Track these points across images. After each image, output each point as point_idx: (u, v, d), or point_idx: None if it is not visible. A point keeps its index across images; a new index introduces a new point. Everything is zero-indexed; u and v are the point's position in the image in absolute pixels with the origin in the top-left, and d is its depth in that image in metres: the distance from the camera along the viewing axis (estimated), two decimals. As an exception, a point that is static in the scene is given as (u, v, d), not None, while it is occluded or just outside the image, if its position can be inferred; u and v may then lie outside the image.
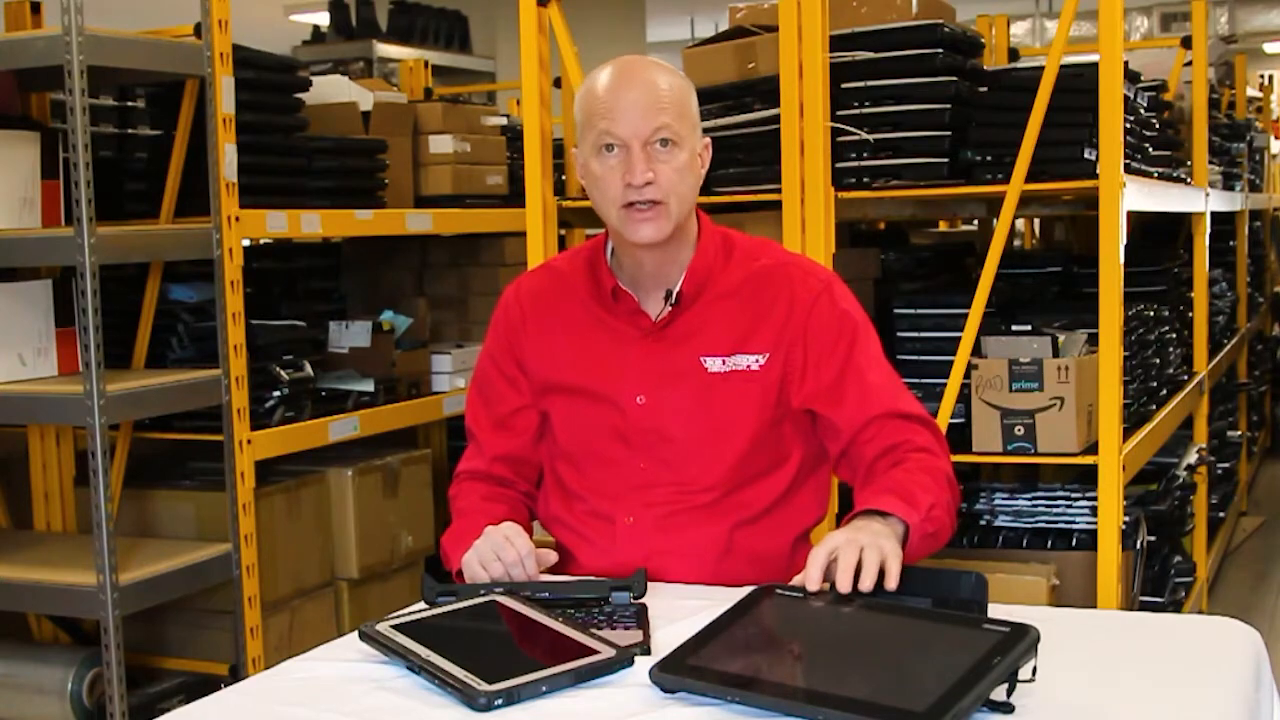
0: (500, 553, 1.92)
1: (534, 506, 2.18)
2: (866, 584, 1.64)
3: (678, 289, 2.03)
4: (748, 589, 1.71)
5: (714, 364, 2.02)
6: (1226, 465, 5.39)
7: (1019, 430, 2.96)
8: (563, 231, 3.39)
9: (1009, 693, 1.45)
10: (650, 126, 1.94)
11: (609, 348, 2.06)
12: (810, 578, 1.66)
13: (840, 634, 1.62)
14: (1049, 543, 3.20)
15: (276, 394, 3.55)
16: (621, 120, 1.94)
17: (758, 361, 2.01)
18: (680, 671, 1.52)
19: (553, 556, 1.98)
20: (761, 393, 2.01)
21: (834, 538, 1.70)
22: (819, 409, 2.02)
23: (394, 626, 1.69)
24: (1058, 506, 3.23)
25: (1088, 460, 2.92)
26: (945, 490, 1.92)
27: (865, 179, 3.05)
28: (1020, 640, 1.46)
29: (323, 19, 8.48)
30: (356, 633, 1.71)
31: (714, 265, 2.06)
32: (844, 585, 1.63)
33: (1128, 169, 2.98)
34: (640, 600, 1.84)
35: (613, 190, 1.96)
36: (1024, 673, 1.47)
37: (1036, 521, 3.25)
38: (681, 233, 2.03)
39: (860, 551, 1.66)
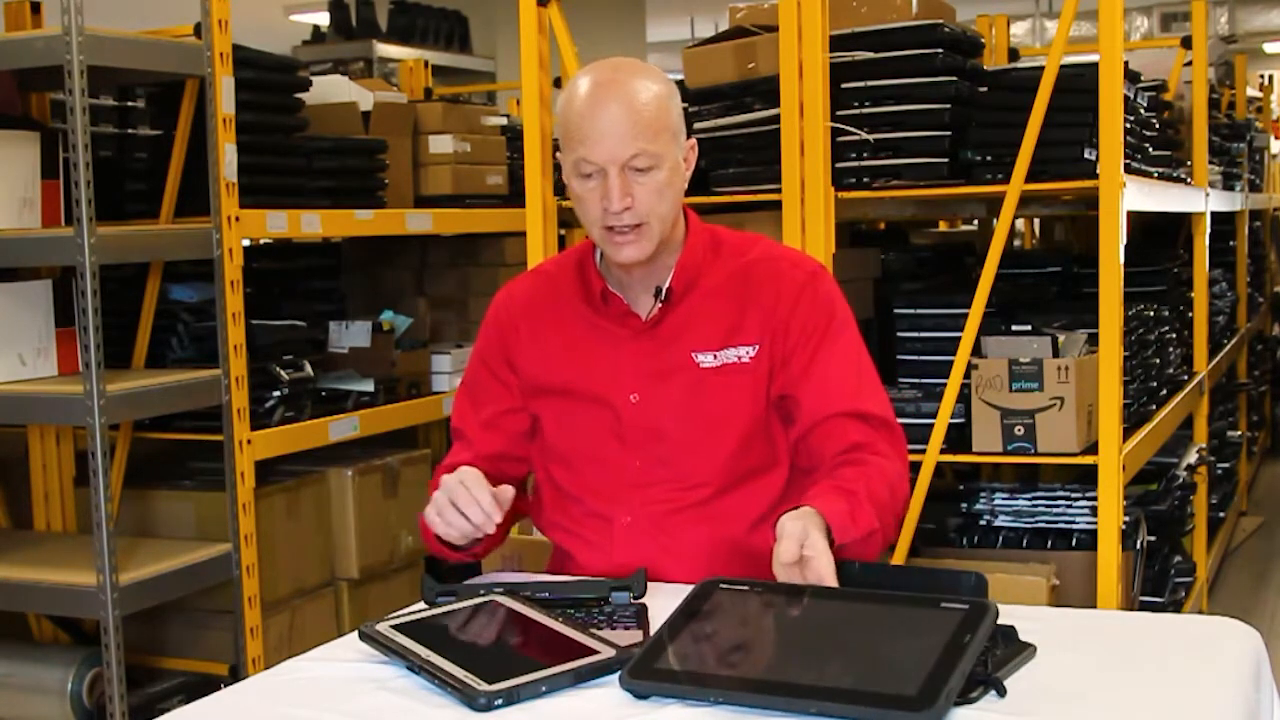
0: (454, 496, 1.88)
1: (521, 498, 2.16)
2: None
3: (666, 286, 2.04)
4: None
5: (706, 359, 2.03)
6: (1226, 465, 5.38)
7: (1019, 430, 2.96)
8: (563, 231, 3.39)
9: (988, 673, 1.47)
10: (627, 152, 1.93)
11: (601, 349, 2.06)
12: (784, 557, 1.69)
13: (805, 624, 1.61)
14: (1049, 543, 3.20)
15: (276, 394, 3.54)
16: (597, 146, 1.93)
17: (748, 353, 2.02)
18: (654, 677, 1.51)
19: (510, 492, 1.93)
20: (753, 384, 2.02)
21: (803, 537, 1.72)
22: (787, 393, 2.03)
23: (394, 626, 1.69)
24: (1058, 506, 3.22)
25: (1088, 460, 2.92)
26: (893, 511, 1.94)
27: (865, 179, 3.05)
28: (983, 616, 1.47)
29: (323, 19, 8.47)
30: (356, 633, 1.71)
31: (702, 262, 2.07)
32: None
33: (1128, 169, 2.98)
34: (640, 600, 1.84)
35: (592, 213, 1.97)
36: (1024, 656, 1.49)
37: (1036, 521, 3.24)
38: (667, 239, 2.03)
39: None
